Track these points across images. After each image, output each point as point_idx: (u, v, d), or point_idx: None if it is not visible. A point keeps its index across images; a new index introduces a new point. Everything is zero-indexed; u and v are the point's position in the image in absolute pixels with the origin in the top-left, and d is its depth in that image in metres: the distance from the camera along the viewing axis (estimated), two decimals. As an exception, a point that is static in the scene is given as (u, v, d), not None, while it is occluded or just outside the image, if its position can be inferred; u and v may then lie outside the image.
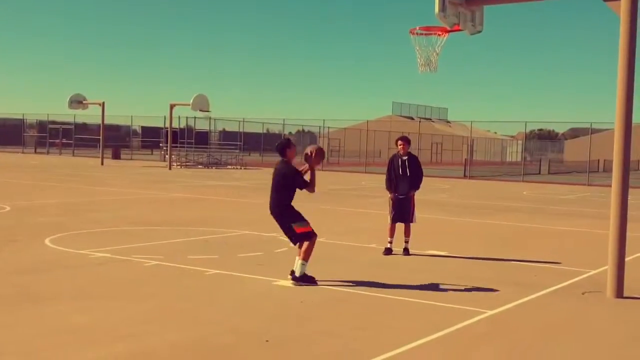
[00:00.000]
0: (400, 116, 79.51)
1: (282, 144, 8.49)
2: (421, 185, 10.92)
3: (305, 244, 8.18)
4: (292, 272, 8.20)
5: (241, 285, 8.12)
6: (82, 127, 59.84)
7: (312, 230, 8.30)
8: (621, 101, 8.16)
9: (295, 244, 8.40)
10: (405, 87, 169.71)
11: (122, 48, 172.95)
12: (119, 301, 7.16)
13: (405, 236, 10.63)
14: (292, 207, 8.35)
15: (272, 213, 8.44)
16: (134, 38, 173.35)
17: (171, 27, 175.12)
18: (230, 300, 7.37)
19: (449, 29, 9.88)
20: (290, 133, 72.05)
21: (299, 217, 8.27)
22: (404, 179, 10.70)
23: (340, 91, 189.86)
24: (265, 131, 55.24)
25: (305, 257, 8.14)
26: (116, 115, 75.60)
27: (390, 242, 10.62)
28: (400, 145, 10.80)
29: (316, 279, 8.21)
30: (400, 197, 10.67)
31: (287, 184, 8.30)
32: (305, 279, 8.14)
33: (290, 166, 8.39)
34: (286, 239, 10.31)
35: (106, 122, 41.12)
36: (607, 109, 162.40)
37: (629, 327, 6.99)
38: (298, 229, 8.21)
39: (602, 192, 27.38)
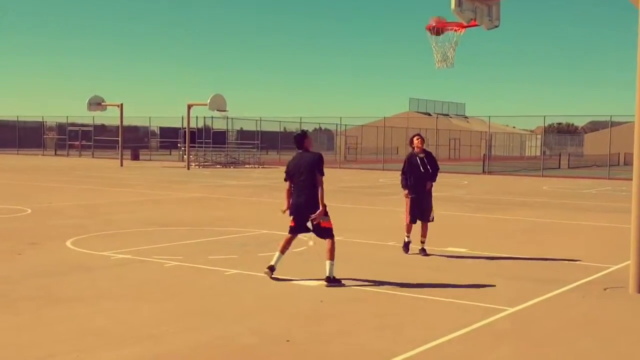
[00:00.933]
0: (418, 112, 79.20)
1: (300, 136, 8.45)
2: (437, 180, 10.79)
3: (329, 242, 8.16)
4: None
5: (261, 285, 8.14)
6: (101, 129, 60.34)
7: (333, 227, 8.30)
8: (641, 94, 8.06)
9: (319, 237, 8.32)
10: (422, 84, 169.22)
11: (139, 49, 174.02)
12: (140, 302, 7.20)
13: (423, 236, 10.43)
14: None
15: (302, 206, 8.18)
16: (151, 39, 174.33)
17: (188, 27, 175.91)
18: (250, 300, 7.39)
19: (465, 24, 9.82)
20: (307, 131, 72.18)
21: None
22: (425, 177, 10.45)
23: (357, 88, 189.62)
24: (282, 130, 55.27)
25: (332, 257, 8.12)
26: (134, 117, 76.25)
27: (408, 237, 10.51)
28: (417, 141, 10.49)
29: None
30: (420, 196, 10.41)
31: (313, 169, 8.13)
32: (335, 280, 8.13)
33: (314, 152, 8.33)
34: (305, 238, 10.28)
35: (125, 123, 41.43)
36: (627, 102, 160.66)
37: (652, 322, 6.91)
38: (323, 223, 8.17)
39: (623, 186, 27.09)
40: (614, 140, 37.81)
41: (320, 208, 8.07)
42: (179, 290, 7.79)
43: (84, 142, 56.88)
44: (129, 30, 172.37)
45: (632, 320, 7.00)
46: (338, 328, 6.37)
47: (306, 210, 8.16)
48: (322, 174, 8.21)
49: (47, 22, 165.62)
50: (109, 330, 6.14)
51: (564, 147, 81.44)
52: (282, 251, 8.41)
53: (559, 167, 45.44)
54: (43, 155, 54.95)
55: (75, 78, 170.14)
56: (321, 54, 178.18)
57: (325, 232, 8.22)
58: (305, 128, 58.71)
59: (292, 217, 8.37)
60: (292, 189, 8.34)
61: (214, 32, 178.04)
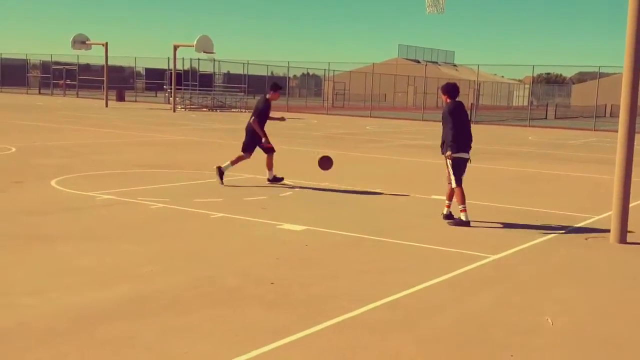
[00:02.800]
0: (406, 59, 78.63)
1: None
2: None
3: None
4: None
5: (246, 228, 8.18)
6: (86, 68, 59.40)
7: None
8: (630, 45, 8.03)
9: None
10: (412, 30, 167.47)
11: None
12: (125, 243, 7.23)
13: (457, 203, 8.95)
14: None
15: None
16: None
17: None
18: (235, 243, 7.43)
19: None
20: (295, 76, 71.50)
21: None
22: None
23: (346, 34, 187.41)
24: (269, 74, 54.70)
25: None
26: (120, 57, 75.11)
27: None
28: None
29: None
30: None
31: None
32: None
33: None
34: (291, 183, 10.29)
35: (110, 63, 40.76)
36: (616, 53, 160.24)
37: (629, 271, 7.05)
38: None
39: (608, 137, 27.25)
40: (601, 91, 37.82)
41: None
42: (165, 232, 7.81)
43: (68, 82, 56.08)
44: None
45: (611, 269, 7.12)
46: (322, 271, 6.44)
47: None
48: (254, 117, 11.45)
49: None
50: (95, 269, 6.17)
51: (552, 97, 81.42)
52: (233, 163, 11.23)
53: (546, 118, 45.53)
54: (27, 93, 54.23)
55: (60, 16, 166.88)
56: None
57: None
58: (293, 73, 58.20)
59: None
60: None
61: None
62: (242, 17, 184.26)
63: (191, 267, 6.37)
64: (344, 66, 58.79)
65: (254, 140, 11.60)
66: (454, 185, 8.83)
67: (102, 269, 6.21)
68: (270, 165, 11.55)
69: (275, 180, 11.52)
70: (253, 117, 11.64)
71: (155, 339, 4.60)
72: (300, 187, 11.27)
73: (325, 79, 59.30)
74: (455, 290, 6.06)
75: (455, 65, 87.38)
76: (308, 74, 72.28)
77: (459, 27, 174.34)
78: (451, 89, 9.04)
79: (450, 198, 8.99)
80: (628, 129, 8.14)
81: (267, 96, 11.72)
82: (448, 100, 8.99)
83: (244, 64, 49.04)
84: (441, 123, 9.01)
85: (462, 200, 8.74)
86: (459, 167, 8.82)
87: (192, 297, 5.51)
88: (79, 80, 54.29)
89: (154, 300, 5.40)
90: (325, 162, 11.20)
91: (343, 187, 11.57)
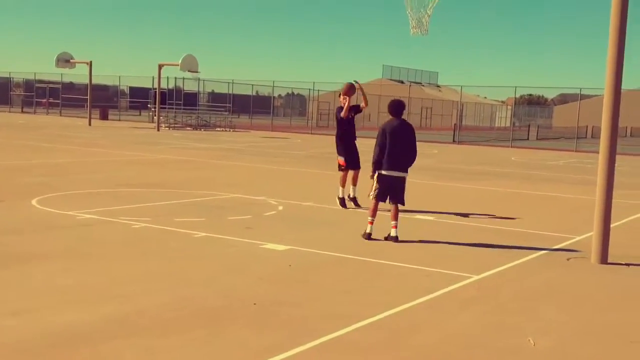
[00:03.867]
0: (391, 80, 79.09)
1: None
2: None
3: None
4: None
5: (229, 248, 8.14)
6: (70, 87, 59.21)
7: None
8: (611, 67, 8.15)
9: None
10: (396, 51, 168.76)
11: (110, 6, 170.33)
12: (106, 262, 7.16)
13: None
14: None
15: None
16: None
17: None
18: (218, 263, 7.40)
19: (441, -9, 9.78)
20: (279, 95, 71.68)
21: None
22: None
23: (331, 54, 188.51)
24: (254, 93, 54.84)
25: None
26: (104, 75, 74.92)
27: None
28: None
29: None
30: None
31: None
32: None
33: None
34: (275, 202, 10.31)
35: (94, 82, 40.66)
36: (597, 75, 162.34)
37: (611, 291, 7.09)
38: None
39: (589, 159, 27.51)
40: (582, 113, 38.27)
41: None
42: (146, 251, 7.76)
43: (51, 100, 55.81)
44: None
45: (593, 289, 7.16)
46: (306, 291, 6.42)
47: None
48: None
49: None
50: (75, 289, 6.10)
51: (534, 118, 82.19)
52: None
53: (528, 139, 45.90)
54: (9, 112, 53.87)
55: (44, 34, 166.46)
56: (295, 18, 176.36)
57: None
58: (278, 92, 58.37)
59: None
60: None
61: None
62: (227, 37, 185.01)
63: (174, 287, 6.32)
64: (328, 86, 58.90)
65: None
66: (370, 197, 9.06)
67: (83, 288, 6.15)
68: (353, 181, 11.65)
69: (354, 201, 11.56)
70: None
71: (136, 360, 4.55)
72: (284, 207, 11.25)
73: (309, 99, 59.47)
74: (438, 310, 6.06)
75: (438, 86, 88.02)
76: (293, 93, 72.55)
77: (442, 48, 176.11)
78: (391, 106, 9.13)
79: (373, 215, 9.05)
80: (609, 150, 8.23)
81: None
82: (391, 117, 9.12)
83: (228, 83, 49.13)
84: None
85: (371, 213, 8.96)
86: (383, 183, 8.92)
87: (174, 318, 5.46)
88: (63, 99, 54.02)
89: (136, 320, 5.35)
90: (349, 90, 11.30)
91: (327, 206, 11.57)
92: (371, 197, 9.02)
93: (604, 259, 8.20)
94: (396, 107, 9.06)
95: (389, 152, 8.85)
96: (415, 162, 9.13)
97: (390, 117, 9.07)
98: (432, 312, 5.99)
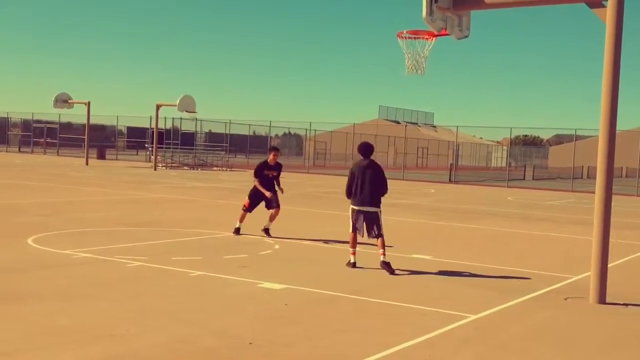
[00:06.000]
0: (387, 120, 79.64)
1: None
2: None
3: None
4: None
5: (225, 287, 8.09)
6: (67, 127, 59.44)
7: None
8: (606, 108, 8.23)
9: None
10: (393, 92, 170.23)
11: (108, 47, 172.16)
12: (101, 302, 7.11)
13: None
14: None
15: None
16: (120, 37, 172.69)
17: (158, 26, 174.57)
18: (214, 302, 7.34)
19: (436, 33, 9.90)
20: (277, 135, 72.03)
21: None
22: None
23: (328, 94, 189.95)
24: (251, 133, 55.06)
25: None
26: (102, 115, 75.33)
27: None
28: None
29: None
30: None
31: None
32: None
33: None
34: (271, 241, 10.29)
35: (91, 121, 40.85)
36: (592, 116, 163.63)
37: (609, 332, 7.03)
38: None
39: (585, 199, 27.57)
40: (578, 153, 38.46)
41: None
42: (142, 291, 7.70)
43: (49, 140, 55.99)
44: (98, 26, 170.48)
45: (591, 330, 7.11)
46: (302, 331, 6.36)
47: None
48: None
49: (15, 17, 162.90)
50: (69, 329, 6.04)
51: (529, 158, 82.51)
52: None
53: (524, 179, 46.04)
54: (7, 151, 53.98)
55: (42, 74, 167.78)
56: (292, 58, 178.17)
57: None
58: (275, 132, 58.68)
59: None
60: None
61: (184, 32, 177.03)
62: (225, 77, 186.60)
63: (168, 327, 6.27)
64: (325, 126, 59.24)
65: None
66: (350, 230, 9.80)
67: (77, 328, 6.09)
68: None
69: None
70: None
71: (130, 401, 4.48)
72: (280, 245, 11.22)
73: (306, 139, 59.76)
74: (435, 350, 6.00)
75: (434, 127, 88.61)
76: (290, 133, 72.89)
77: (438, 88, 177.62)
78: (360, 148, 9.99)
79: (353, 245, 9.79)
80: (605, 190, 8.25)
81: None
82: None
83: (226, 123, 49.39)
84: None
85: (352, 245, 9.71)
86: (355, 216, 9.71)
87: (169, 358, 5.40)
88: (60, 139, 54.20)
89: (130, 360, 5.28)
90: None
91: (323, 245, 11.53)
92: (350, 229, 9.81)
93: (602, 299, 8.16)
94: (364, 149, 9.91)
95: (360, 189, 9.64)
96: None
97: (360, 157, 9.88)
98: (429, 352, 5.94)
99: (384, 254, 9.43)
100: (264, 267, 9.37)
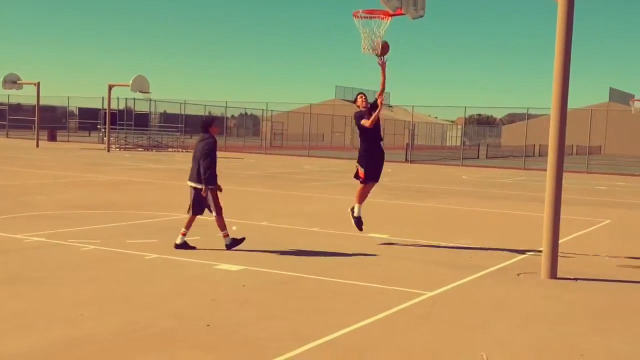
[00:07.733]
0: (343, 100, 79.69)
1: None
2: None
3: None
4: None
5: (181, 269, 8.03)
6: (17, 108, 57.96)
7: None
8: (557, 87, 8.37)
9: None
10: (349, 72, 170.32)
11: (58, 26, 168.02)
12: (55, 286, 6.98)
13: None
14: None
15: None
16: (71, 16, 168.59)
17: (111, 5, 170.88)
18: (170, 285, 7.28)
19: (392, 12, 9.90)
20: (233, 116, 71.46)
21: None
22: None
23: (284, 75, 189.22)
24: (207, 114, 54.51)
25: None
26: (52, 96, 73.64)
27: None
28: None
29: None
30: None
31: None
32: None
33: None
34: (227, 222, 10.22)
35: (41, 103, 39.91)
36: (544, 95, 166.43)
37: (561, 305, 7.21)
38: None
39: (538, 176, 28.10)
40: (530, 132, 39.15)
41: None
42: (96, 275, 7.59)
43: (-3, 121, 54.53)
44: (48, 6, 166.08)
45: (543, 304, 7.27)
46: (259, 312, 6.36)
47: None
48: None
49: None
50: (22, 314, 5.93)
51: (483, 137, 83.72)
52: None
53: (478, 157, 46.66)
54: (-47, 133, 52.44)
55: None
56: (249, 38, 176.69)
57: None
58: (231, 113, 58.20)
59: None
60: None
61: (137, 10, 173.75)
62: (179, 57, 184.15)
63: (124, 311, 6.19)
64: (282, 106, 59.08)
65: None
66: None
67: (31, 313, 5.97)
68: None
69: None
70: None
71: (86, 386, 4.42)
72: (237, 227, 11.17)
73: (263, 119, 59.45)
74: (393, 327, 6.07)
75: (390, 106, 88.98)
76: (246, 114, 72.39)
77: (394, 68, 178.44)
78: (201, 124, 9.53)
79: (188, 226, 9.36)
80: (556, 167, 8.42)
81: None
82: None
83: (180, 103, 48.78)
84: None
85: (186, 225, 9.31)
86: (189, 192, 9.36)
87: (125, 342, 5.34)
88: (9, 120, 52.84)
89: (86, 345, 5.21)
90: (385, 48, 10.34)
91: (281, 226, 11.52)
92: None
93: (553, 274, 8.35)
94: (201, 123, 9.50)
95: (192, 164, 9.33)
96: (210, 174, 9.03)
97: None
98: (386, 329, 6.00)
99: (226, 235, 9.27)
100: (221, 248, 9.32)
